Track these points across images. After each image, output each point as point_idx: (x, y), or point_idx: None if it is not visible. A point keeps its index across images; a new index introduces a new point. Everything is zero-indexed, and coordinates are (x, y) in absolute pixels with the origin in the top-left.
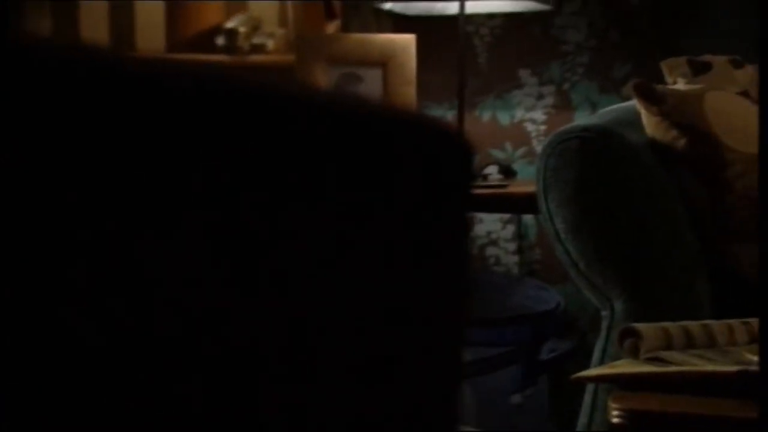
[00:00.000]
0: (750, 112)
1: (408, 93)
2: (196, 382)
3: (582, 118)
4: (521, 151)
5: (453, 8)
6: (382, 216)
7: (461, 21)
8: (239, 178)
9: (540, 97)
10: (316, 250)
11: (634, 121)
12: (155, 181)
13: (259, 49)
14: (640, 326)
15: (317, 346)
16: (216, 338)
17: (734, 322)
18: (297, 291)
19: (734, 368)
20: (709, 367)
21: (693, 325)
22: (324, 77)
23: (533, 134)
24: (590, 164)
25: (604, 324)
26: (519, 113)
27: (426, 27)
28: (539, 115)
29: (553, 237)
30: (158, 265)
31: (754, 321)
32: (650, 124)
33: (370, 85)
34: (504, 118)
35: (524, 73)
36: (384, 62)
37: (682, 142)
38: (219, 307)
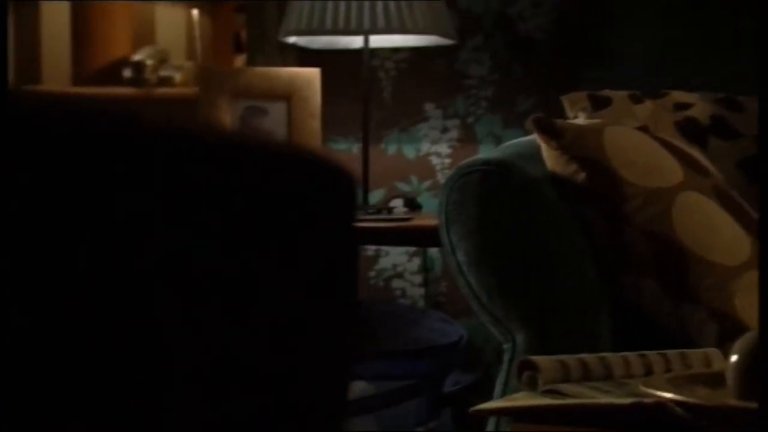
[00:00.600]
0: (648, 146)
1: (313, 126)
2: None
3: (486, 152)
4: (427, 184)
5: (357, 42)
6: (266, 247)
7: (366, 55)
8: (129, 212)
9: (445, 130)
10: (200, 280)
11: (535, 154)
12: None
13: (166, 81)
14: (537, 359)
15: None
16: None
17: (631, 355)
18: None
19: (629, 401)
20: (605, 400)
21: (590, 357)
22: (228, 111)
23: (438, 167)
24: (491, 198)
25: (506, 357)
26: (424, 147)
27: (331, 61)
28: (444, 148)
29: (455, 270)
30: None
31: (650, 354)
32: (550, 158)
33: (275, 118)
34: (409, 152)
35: (429, 107)
36: (288, 96)
37: (581, 176)
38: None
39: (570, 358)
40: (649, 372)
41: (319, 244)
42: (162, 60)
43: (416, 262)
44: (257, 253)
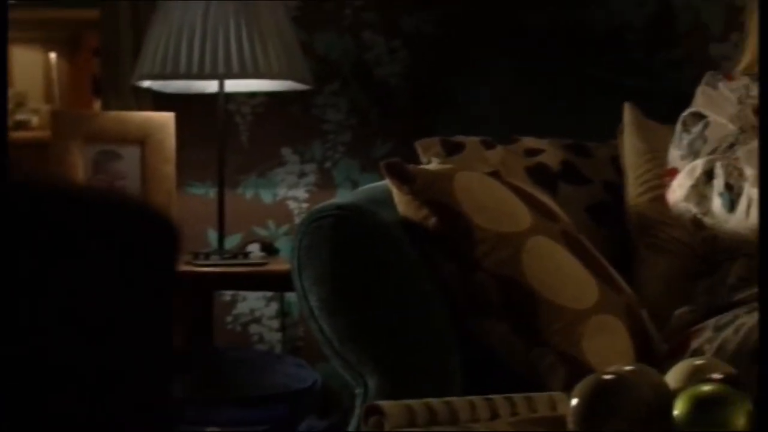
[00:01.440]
0: (499, 191)
1: (167, 171)
2: None
3: (343, 196)
4: (284, 228)
5: (213, 87)
6: (88, 290)
7: (221, 100)
8: None
9: (302, 175)
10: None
11: (388, 199)
12: None
13: (23, 125)
14: (383, 404)
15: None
16: None
17: (477, 398)
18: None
19: None
20: None
21: (436, 402)
22: (81, 155)
23: (296, 212)
24: (343, 242)
25: (358, 401)
26: (282, 191)
27: (187, 105)
28: (302, 193)
29: (307, 315)
30: None
31: (496, 397)
32: (402, 202)
33: (129, 163)
34: (267, 196)
35: (286, 152)
36: (142, 140)
37: (432, 221)
38: None
39: (416, 403)
40: (494, 416)
41: (134, 283)
42: (19, 103)
43: (274, 306)
44: (61, 290)
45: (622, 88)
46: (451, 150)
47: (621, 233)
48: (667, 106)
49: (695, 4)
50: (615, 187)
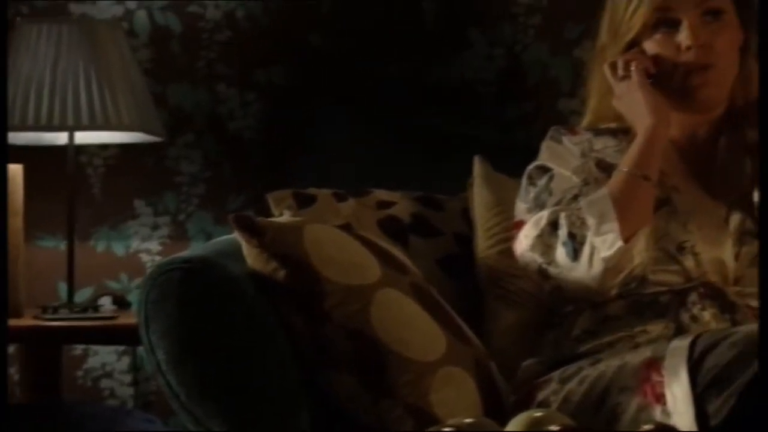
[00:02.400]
0: (348, 244)
1: (14, 224)
2: None
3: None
4: (137, 282)
5: (62, 138)
6: None
7: (71, 152)
8: None
9: (155, 227)
10: None
11: (237, 252)
12: None
13: None
14: None
15: None
16: None
17: None
18: None
19: None
20: None
21: None
22: None
23: (148, 265)
24: (190, 296)
25: None
26: (134, 244)
27: (36, 157)
28: (155, 245)
29: (155, 369)
30: None
31: None
32: (250, 255)
33: None
34: (119, 249)
35: (139, 204)
36: None
37: (281, 274)
38: None
39: None
40: None
41: None
42: None
43: (126, 361)
44: None
45: (474, 141)
46: (303, 202)
47: (472, 285)
48: (517, 160)
49: (544, 60)
50: (465, 240)
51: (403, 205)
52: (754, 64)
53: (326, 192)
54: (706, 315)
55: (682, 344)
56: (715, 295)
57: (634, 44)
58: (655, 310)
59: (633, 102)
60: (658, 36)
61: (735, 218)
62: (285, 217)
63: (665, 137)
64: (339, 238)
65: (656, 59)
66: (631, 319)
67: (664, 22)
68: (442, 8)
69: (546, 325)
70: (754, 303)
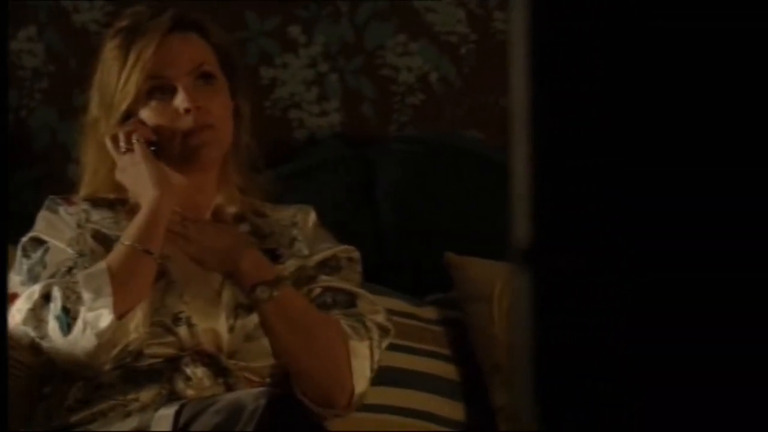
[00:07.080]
0: None
1: None
2: None
3: None
4: None
5: None
6: None
7: None
8: None
9: None
10: None
11: None
12: None
13: None
14: None
15: None
16: None
17: None
18: None
19: None
20: None
21: None
22: None
23: None
24: None
25: None
26: None
27: None
28: None
29: None
30: None
31: None
32: None
33: None
34: None
35: None
36: None
37: None
38: None
39: None
40: None
41: None
42: None
43: None
44: None
45: None
46: None
47: None
48: (19, 228)
49: (52, 125)
50: None
51: None
52: (246, 134)
53: None
54: (199, 373)
55: (167, 413)
56: (208, 360)
57: (130, 115)
58: (149, 377)
59: (137, 175)
60: (153, 104)
61: (228, 291)
62: None
63: (170, 209)
64: None
65: (156, 128)
66: (124, 387)
67: (158, 88)
68: None
69: (40, 397)
70: (253, 376)
